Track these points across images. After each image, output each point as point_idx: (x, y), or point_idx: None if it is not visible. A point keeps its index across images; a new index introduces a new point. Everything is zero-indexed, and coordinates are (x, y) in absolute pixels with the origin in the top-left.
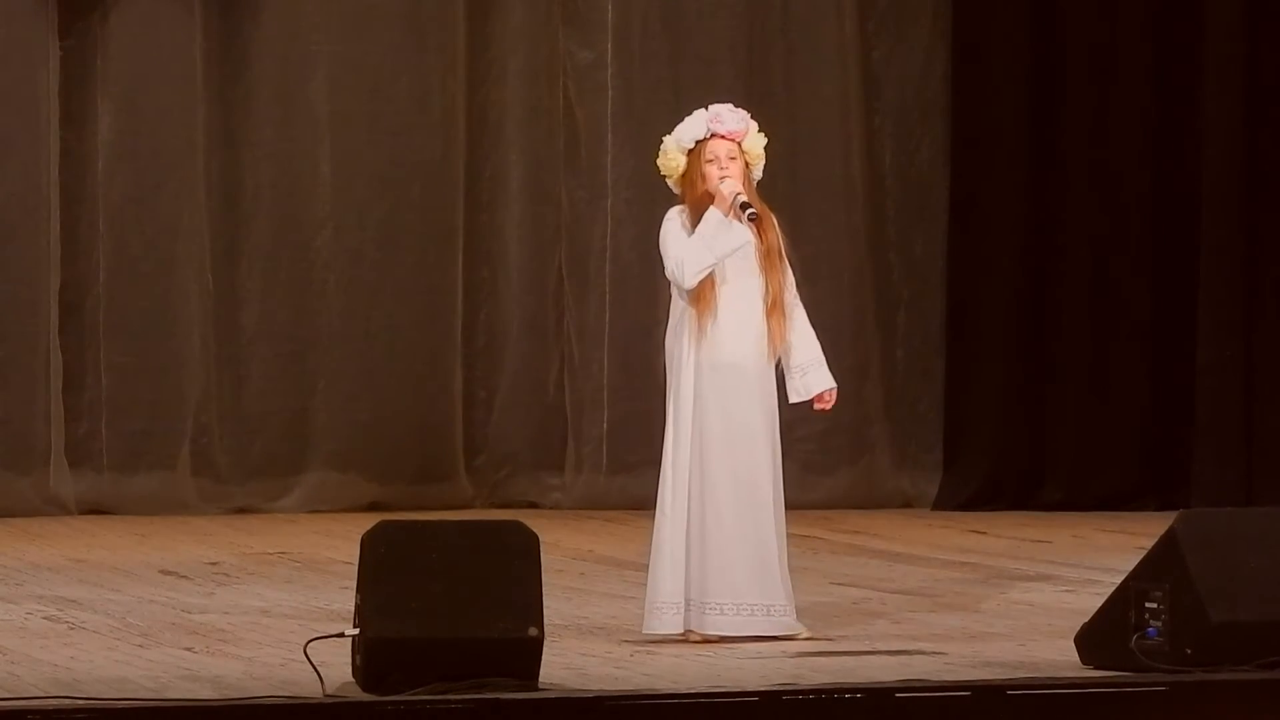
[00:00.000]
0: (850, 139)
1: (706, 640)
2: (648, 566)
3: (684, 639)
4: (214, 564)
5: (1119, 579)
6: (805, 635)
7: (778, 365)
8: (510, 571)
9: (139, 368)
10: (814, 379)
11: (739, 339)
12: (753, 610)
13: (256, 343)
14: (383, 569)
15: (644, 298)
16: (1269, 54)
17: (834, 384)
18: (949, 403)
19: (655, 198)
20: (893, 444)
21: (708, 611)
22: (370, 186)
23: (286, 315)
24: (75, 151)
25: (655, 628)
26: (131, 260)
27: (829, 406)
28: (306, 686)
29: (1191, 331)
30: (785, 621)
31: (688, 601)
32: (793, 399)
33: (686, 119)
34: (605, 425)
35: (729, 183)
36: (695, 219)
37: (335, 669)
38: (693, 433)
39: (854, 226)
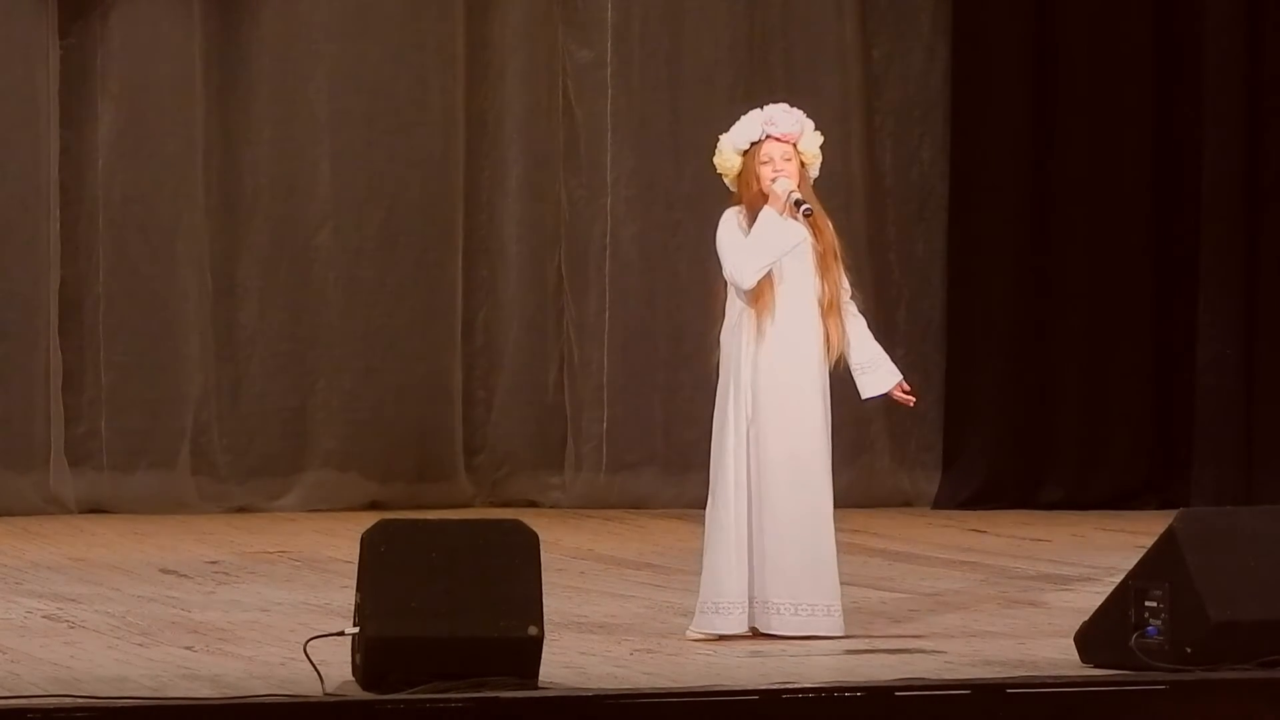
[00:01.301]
0: (850, 138)
1: (765, 639)
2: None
3: (746, 637)
4: (214, 563)
5: (1119, 578)
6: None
7: (842, 365)
8: (510, 570)
9: (138, 366)
10: (886, 373)
11: (796, 339)
12: (812, 610)
13: (256, 341)
14: (382, 568)
15: (643, 296)
16: (1269, 54)
17: (900, 376)
18: (949, 401)
19: (655, 196)
20: (893, 443)
21: (768, 611)
22: (370, 186)
23: (286, 314)
24: (75, 150)
25: (718, 627)
26: (131, 259)
27: (909, 399)
28: (306, 685)
29: (1191, 331)
30: (838, 621)
31: (751, 600)
32: (865, 395)
33: (742, 118)
34: (605, 424)
35: (783, 181)
36: (751, 219)
37: (335, 668)
38: (749, 432)
39: (854, 226)
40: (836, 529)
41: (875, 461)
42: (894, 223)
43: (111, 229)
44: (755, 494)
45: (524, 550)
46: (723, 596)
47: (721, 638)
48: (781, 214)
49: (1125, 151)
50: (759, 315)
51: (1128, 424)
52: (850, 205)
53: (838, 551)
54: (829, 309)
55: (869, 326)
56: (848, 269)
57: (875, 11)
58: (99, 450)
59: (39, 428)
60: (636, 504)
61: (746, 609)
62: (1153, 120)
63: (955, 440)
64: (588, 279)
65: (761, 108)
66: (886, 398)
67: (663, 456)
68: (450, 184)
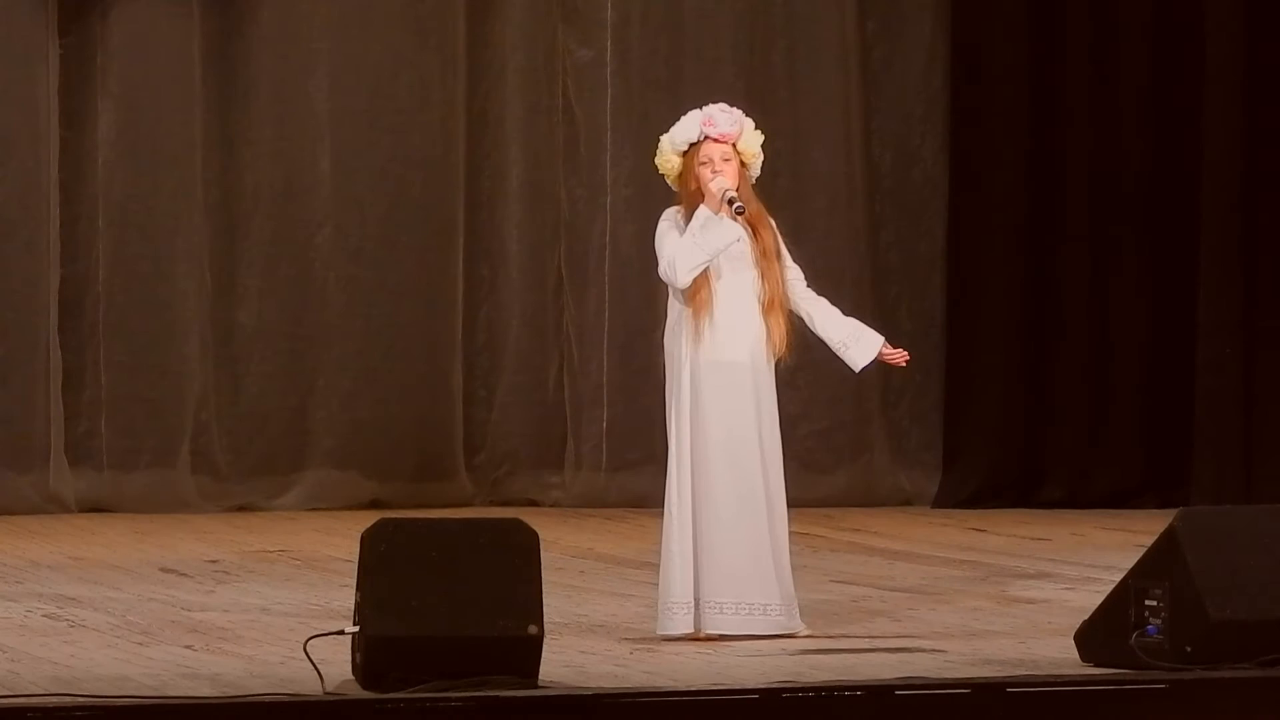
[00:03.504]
0: (850, 139)
1: (710, 639)
2: (657, 566)
3: (693, 638)
4: (214, 562)
5: (1119, 577)
6: (805, 633)
7: (789, 361)
8: (510, 569)
9: (138, 366)
10: (869, 339)
11: (736, 338)
12: (750, 609)
13: (256, 341)
14: (382, 567)
15: (643, 295)
16: (1269, 54)
17: (883, 338)
18: (949, 400)
19: (654, 195)
20: (893, 442)
21: (709, 610)
22: (370, 184)
23: (286, 313)
24: (75, 150)
25: (668, 628)
26: (131, 258)
27: (900, 354)
28: (306, 684)
29: (1191, 330)
30: (780, 621)
31: (697, 600)
32: (857, 368)
33: (682, 119)
34: (605, 423)
35: (719, 180)
36: (690, 219)
37: (335, 667)
38: (692, 432)
39: (854, 226)
40: (836, 528)
41: (875, 460)
42: (894, 223)
43: (111, 228)
44: (699, 494)
45: (524, 549)
46: (670, 597)
47: (685, 636)
48: (717, 213)
49: (1125, 151)
50: (696, 315)
51: (1128, 423)
52: (851, 205)
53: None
54: (770, 307)
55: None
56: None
57: (875, 11)
58: (99, 449)
59: (39, 427)
60: (636, 503)
61: (691, 609)
62: (1152, 119)
63: (955, 439)
64: (587, 278)
65: (701, 108)
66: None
67: (662, 455)
68: (450, 183)
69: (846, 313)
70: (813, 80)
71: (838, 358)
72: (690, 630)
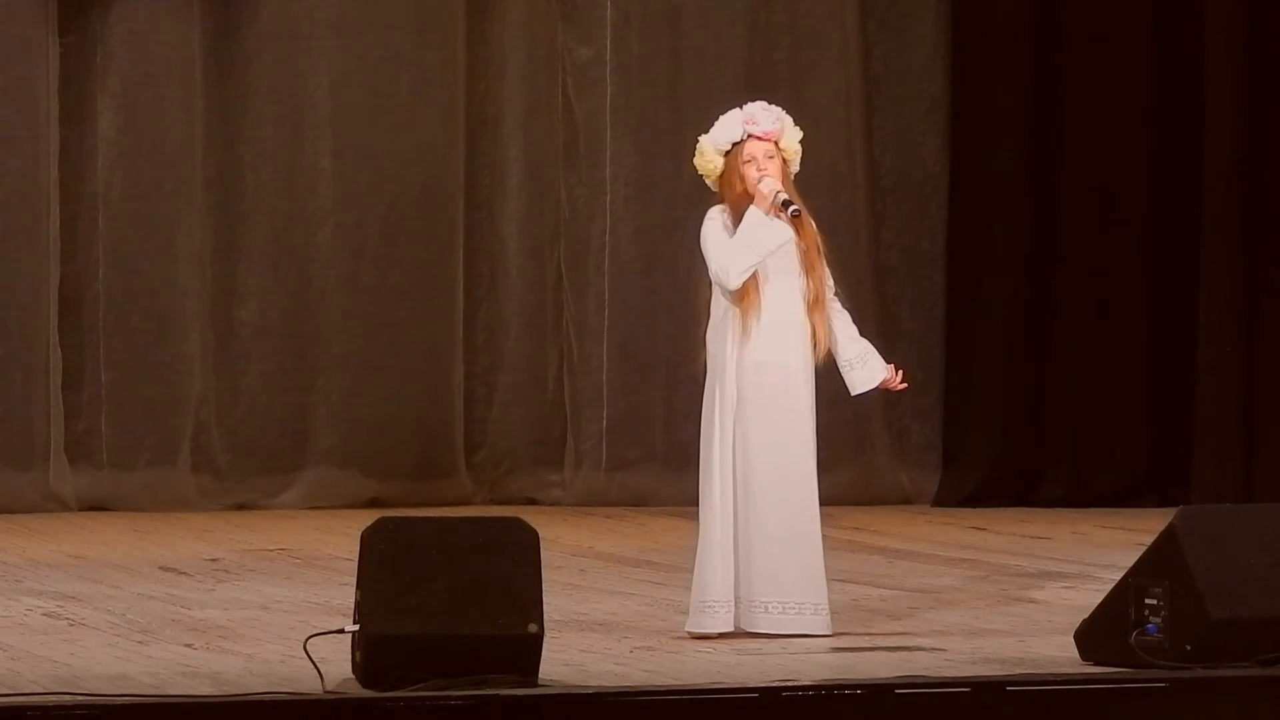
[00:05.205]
0: (851, 137)
1: (752, 638)
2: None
3: (725, 636)
4: (214, 560)
5: (1119, 575)
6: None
7: (828, 360)
8: (510, 568)
9: (138, 364)
10: (875, 366)
11: (782, 337)
12: (800, 609)
13: (256, 339)
14: (383, 565)
15: (643, 294)
16: (1269, 52)
17: (888, 367)
18: (949, 399)
19: (654, 194)
20: (893, 440)
21: (755, 610)
22: (370, 183)
23: (286, 311)
24: (75, 148)
25: (705, 626)
26: (131, 257)
27: (898, 377)
28: (306, 683)
29: (1191, 329)
30: (826, 620)
31: (737, 599)
32: (855, 391)
33: (721, 118)
34: (605, 422)
35: (768, 181)
36: (735, 219)
37: (335, 665)
38: (735, 431)
39: (855, 224)
40: (836, 526)
41: (875, 459)
42: (895, 221)
43: (111, 227)
44: (741, 493)
45: (524, 548)
46: (708, 595)
47: (720, 636)
48: (767, 214)
49: (1126, 150)
50: (744, 314)
51: (1128, 422)
52: (853, 204)
53: (826, 549)
54: (814, 305)
55: (857, 322)
56: (831, 265)
57: (876, 10)
58: (99, 448)
59: (39, 425)
60: (636, 501)
61: (732, 608)
62: (1153, 118)
63: (955, 438)
64: (587, 276)
65: (741, 107)
66: (883, 391)
67: (662, 454)
68: (450, 182)
69: (848, 311)
70: (813, 78)
71: (874, 352)
72: (728, 629)
